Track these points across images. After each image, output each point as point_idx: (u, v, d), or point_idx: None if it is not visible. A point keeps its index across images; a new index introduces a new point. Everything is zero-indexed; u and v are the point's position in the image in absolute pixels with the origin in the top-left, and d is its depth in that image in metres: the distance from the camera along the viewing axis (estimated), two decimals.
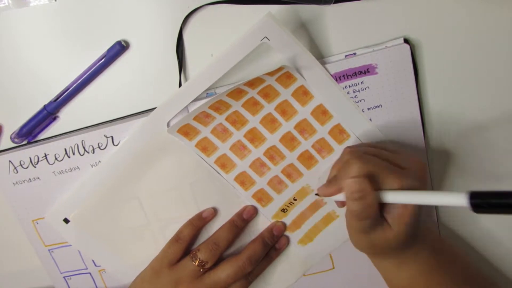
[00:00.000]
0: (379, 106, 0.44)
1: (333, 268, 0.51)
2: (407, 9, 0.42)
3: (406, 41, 0.42)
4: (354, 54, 0.43)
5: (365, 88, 0.43)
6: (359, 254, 0.50)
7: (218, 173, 0.45)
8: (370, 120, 0.44)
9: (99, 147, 0.45)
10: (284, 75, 0.42)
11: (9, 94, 0.45)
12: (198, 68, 0.44)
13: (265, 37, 0.40)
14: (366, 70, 0.43)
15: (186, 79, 0.45)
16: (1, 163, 0.47)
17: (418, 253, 0.40)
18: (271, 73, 0.42)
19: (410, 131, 0.45)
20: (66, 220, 0.48)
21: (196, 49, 0.44)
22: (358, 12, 0.42)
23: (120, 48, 0.43)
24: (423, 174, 0.37)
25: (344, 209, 0.47)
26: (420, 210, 0.37)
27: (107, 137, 0.45)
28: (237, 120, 0.43)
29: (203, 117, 0.43)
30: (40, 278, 0.53)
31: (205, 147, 0.44)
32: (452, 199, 0.30)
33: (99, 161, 0.46)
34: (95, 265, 0.51)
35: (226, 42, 0.43)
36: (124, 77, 0.45)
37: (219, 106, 0.43)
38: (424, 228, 0.41)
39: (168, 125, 0.44)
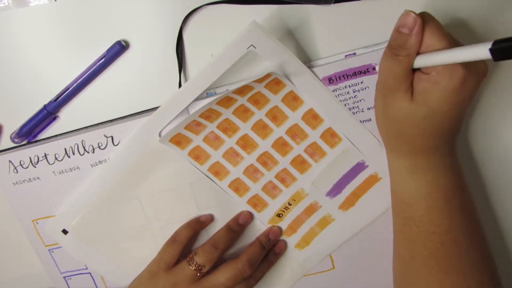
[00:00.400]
0: None
1: (333, 268, 0.51)
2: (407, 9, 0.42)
3: None
4: (354, 54, 0.43)
5: (365, 88, 0.43)
6: (359, 254, 0.50)
7: (212, 180, 0.45)
8: (370, 120, 0.44)
9: (99, 147, 0.46)
10: (273, 81, 0.42)
11: (9, 94, 0.46)
12: (198, 68, 0.44)
13: (251, 45, 0.39)
14: (366, 70, 0.43)
15: (186, 79, 0.45)
16: (1, 163, 0.47)
17: (435, 164, 0.38)
18: (259, 80, 0.42)
19: None
20: (65, 231, 0.48)
21: (196, 49, 0.44)
22: (358, 12, 0.42)
23: (120, 48, 0.43)
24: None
25: (340, 212, 0.47)
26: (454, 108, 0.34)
27: (107, 137, 0.45)
28: (228, 128, 0.43)
29: (194, 125, 0.43)
30: (40, 279, 0.53)
31: (198, 155, 0.44)
32: (475, 52, 0.29)
33: (99, 161, 0.46)
34: None
35: (226, 42, 0.43)
36: (124, 77, 0.45)
37: (209, 114, 0.43)
38: (448, 148, 0.38)
39: (160, 135, 0.44)
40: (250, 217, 0.47)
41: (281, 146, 0.44)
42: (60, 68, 0.45)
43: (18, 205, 0.48)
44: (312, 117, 0.43)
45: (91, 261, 0.50)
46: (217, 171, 0.45)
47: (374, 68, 0.42)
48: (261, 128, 0.43)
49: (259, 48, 0.40)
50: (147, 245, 0.48)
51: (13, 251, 0.52)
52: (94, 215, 0.47)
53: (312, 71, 0.42)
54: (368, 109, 0.44)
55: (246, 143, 0.44)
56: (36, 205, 0.48)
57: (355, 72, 0.43)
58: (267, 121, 0.43)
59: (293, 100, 0.43)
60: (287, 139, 0.44)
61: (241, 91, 0.42)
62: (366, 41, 0.43)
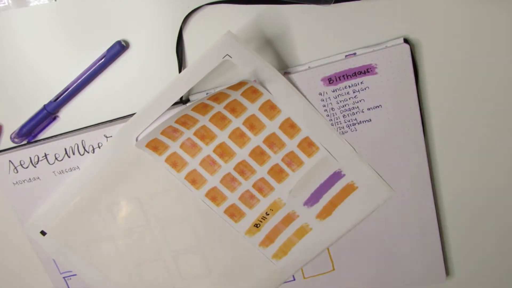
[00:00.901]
0: (379, 106, 0.44)
1: (333, 269, 0.51)
2: (407, 9, 0.42)
3: (406, 41, 0.42)
4: (354, 54, 0.43)
5: (365, 88, 0.43)
6: (360, 255, 0.50)
7: (189, 189, 0.45)
8: (370, 120, 0.44)
9: (99, 147, 0.46)
10: (249, 89, 0.42)
11: (9, 94, 0.46)
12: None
13: (227, 54, 0.40)
14: (366, 70, 0.43)
15: None
16: (1, 163, 0.47)
17: None
18: (234, 87, 0.42)
19: (410, 131, 0.45)
20: (43, 233, 0.48)
21: (196, 49, 0.44)
22: (358, 12, 0.42)
23: (120, 48, 0.43)
24: None
25: (317, 222, 0.47)
26: None
27: (107, 137, 0.45)
28: (205, 135, 0.43)
29: (170, 131, 0.43)
30: (40, 279, 0.53)
31: (174, 162, 0.44)
32: None
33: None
34: None
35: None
36: (124, 77, 0.45)
37: (185, 120, 0.43)
38: None
39: (136, 139, 0.44)
40: None
41: (258, 155, 0.44)
42: (60, 68, 0.45)
43: (18, 205, 0.48)
44: (290, 126, 0.44)
45: (70, 263, 0.50)
46: (194, 179, 0.45)
47: (369, 70, 0.42)
48: (239, 137, 0.43)
49: (235, 58, 0.40)
50: (122, 248, 0.48)
51: (13, 251, 0.52)
52: (71, 218, 0.47)
53: (290, 79, 0.42)
54: (368, 109, 0.44)
55: (223, 151, 0.44)
56: (36, 205, 0.48)
57: (355, 72, 0.43)
58: (245, 129, 0.43)
59: (270, 109, 0.43)
60: (265, 148, 0.44)
61: (217, 98, 0.42)
62: (366, 41, 0.43)
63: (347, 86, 0.43)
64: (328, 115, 0.44)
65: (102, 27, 0.43)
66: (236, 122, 0.43)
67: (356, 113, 0.44)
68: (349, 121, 0.45)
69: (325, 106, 0.44)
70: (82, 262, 0.49)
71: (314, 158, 0.45)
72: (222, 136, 0.43)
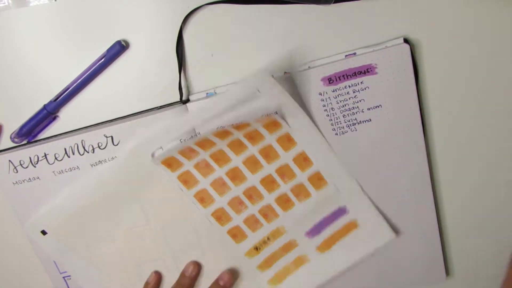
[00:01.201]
0: (379, 106, 0.44)
1: None
2: (407, 9, 0.42)
3: (406, 41, 0.42)
4: (354, 54, 0.43)
5: (365, 88, 0.43)
6: None
7: (196, 207, 0.45)
8: (370, 120, 0.44)
9: (99, 147, 0.46)
10: (271, 122, 0.43)
11: (9, 94, 0.46)
12: (198, 68, 0.44)
13: (258, 90, 0.42)
14: (366, 70, 0.43)
15: (186, 79, 0.45)
16: (1, 163, 0.47)
17: None
18: (258, 120, 0.43)
19: (410, 131, 0.45)
20: (44, 233, 0.48)
21: (196, 49, 0.44)
22: (358, 12, 0.42)
23: (120, 48, 0.43)
24: None
25: (316, 254, 0.48)
26: None
27: (107, 137, 0.45)
28: (220, 158, 0.44)
29: (188, 151, 0.44)
30: (40, 279, 0.53)
31: (186, 180, 0.44)
32: None
33: (99, 161, 0.46)
34: None
35: (226, 42, 0.43)
36: (124, 77, 0.45)
37: (204, 143, 0.44)
38: None
39: (152, 155, 0.45)
40: (198, 271, 0.48)
41: (269, 183, 0.45)
42: (60, 68, 0.45)
43: (18, 205, 0.48)
44: (303, 159, 0.45)
45: (70, 264, 0.50)
46: (203, 198, 0.45)
47: (369, 70, 0.42)
48: (252, 163, 0.44)
49: (263, 92, 0.42)
50: (122, 248, 0.49)
51: (13, 251, 0.52)
52: (71, 219, 0.47)
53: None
54: (368, 109, 0.44)
55: (235, 175, 0.44)
56: (36, 205, 0.48)
57: (355, 72, 0.43)
58: (259, 157, 0.44)
59: (287, 141, 0.44)
60: (276, 177, 0.45)
61: (239, 127, 0.44)
62: (366, 41, 0.43)
63: (347, 86, 0.43)
64: (328, 115, 0.44)
65: (102, 27, 0.43)
66: (252, 150, 0.44)
67: (356, 113, 0.44)
68: (349, 121, 0.45)
69: (325, 106, 0.44)
70: (82, 262, 0.49)
71: (321, 192, 0.46)
72: (237, 160, 0.44)
